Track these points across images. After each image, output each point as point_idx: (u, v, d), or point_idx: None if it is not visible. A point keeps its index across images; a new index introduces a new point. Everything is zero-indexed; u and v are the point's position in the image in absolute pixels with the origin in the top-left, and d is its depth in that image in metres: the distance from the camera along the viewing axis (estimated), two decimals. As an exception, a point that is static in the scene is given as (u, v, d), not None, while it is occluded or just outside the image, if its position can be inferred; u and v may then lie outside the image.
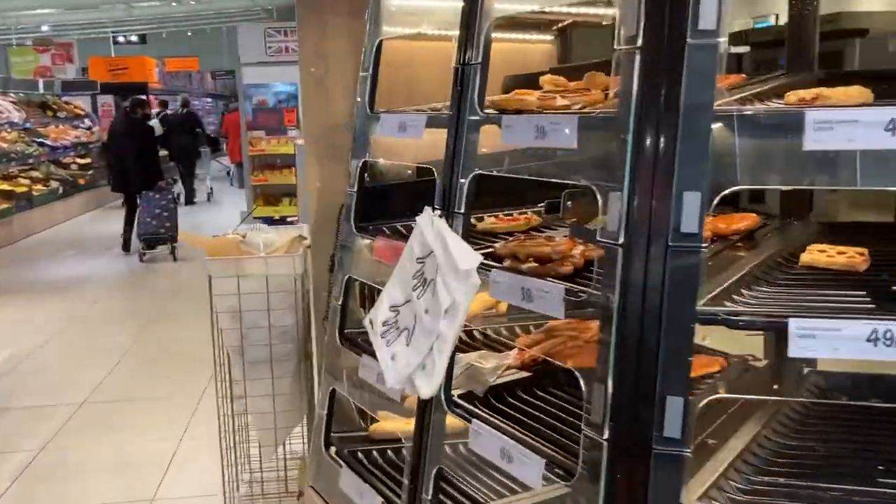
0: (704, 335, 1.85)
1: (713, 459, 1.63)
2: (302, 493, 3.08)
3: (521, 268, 1.77)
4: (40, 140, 14.28)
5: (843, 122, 1.27)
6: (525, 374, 2.11)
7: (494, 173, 1.86)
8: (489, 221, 2.33)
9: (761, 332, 1.87)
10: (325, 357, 2.53)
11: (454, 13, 1.94)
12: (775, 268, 1.70)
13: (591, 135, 1.54)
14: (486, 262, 1.79)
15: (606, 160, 1.47)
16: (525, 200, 2.57)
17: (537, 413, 1.86)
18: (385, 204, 2.56)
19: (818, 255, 1.71)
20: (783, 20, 2.59)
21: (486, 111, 1.86)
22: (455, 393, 1.95)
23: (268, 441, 3.46)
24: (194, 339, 4.51)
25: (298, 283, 3.33)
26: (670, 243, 1.38)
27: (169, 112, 16.41)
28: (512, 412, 1.88)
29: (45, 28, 20.80)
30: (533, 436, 1.71)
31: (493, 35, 3.26)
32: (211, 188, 16.09)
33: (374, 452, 2.45)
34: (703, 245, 1.36)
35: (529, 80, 2.99)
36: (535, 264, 1.77)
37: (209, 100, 25.59)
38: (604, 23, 2.74)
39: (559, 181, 1.62)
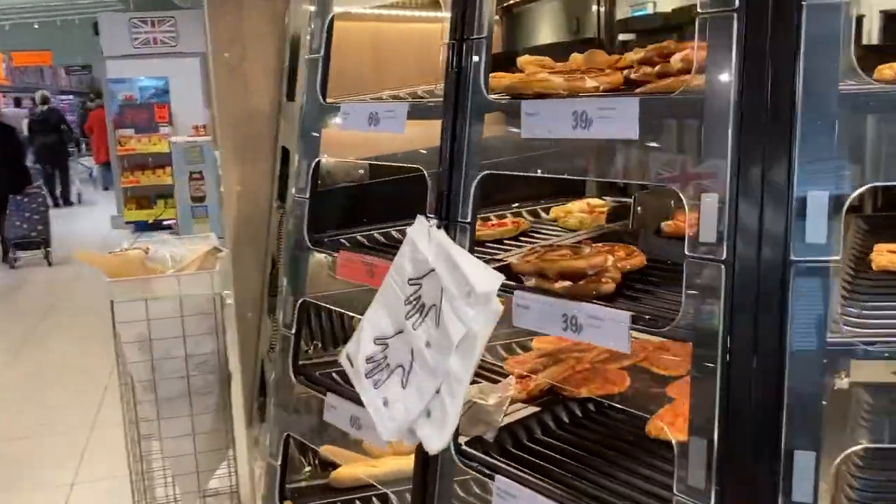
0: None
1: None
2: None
3: (555, 288, 1.44)
4: None
5: None
6: (534, 407, 1.79)
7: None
8: (470, 227, 1.99)
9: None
10: (273, 396, 2.12)
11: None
12: (850, 274, 1.44)
13: (661, 122, 1.22)
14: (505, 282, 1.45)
15: (690, 153, 1.16)
16: (495, 201, 2.24)
17: (572, 461, 1.53)
18: (336, 211, 2.17)
19: (890, 255, 1.48)
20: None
21: (492, 96, 1.52)
22: (462, 440, 1.61)
23: (188, 486, 2.99)
24: (80, 357, 3.93)
25: (218, 304, 2.87)
26: (792, 257, 1.08)
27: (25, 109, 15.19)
28: (539, 461, 1.55)
29: None
30: (581, 496, 1.38)
31: (415, 14, 2.89)
32: (79, 192, 15.00)
33: (340, 506, 2.07)
34: (835, 258, 1.08)
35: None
36: (569, 283, 1.45)
37: (66, 97, 23.79)
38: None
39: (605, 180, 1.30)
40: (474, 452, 1.57)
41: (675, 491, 1.18)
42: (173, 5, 12.12)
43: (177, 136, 10.38)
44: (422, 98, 1.73)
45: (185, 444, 2.90)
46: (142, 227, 11.32)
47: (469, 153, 1.53)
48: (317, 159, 1.97)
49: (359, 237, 2.04)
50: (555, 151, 1.38)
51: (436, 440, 1.50)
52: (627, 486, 1.40)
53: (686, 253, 1.16)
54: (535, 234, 1.95)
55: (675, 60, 1.51)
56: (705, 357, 1.14)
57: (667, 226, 1.88)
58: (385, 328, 1.63)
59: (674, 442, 1.20)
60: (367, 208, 2.15)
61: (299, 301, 2.01)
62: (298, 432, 2.02)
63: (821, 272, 1.08)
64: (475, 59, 1.52)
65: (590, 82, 1.47)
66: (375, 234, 2.04)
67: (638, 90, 1.37)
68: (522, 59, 1.81)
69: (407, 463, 1.90)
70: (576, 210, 2.05)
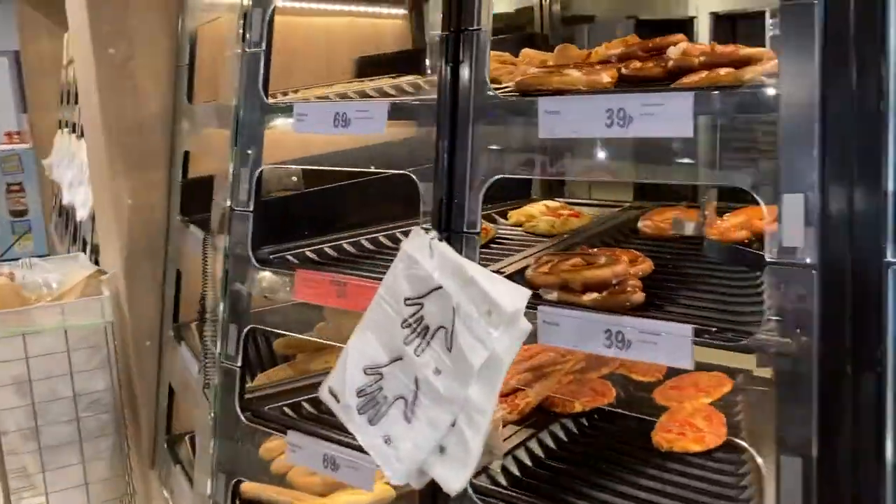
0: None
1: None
2: None
3: (583, 301, 1.32)
4: None
5: None
6: (528, 429, 1.66)
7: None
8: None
9: None
10: (215, 439, 1.85)
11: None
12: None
13: (725, 118, 1.13)
14: (527, 297, 1.31)
15: (766, 150, 1.08)
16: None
17: (586, 484, 1.42)
18: (272, 224, 1.94)
19: None
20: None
21: (499, 93, 1.37)
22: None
23: (81, 545, 2.62)
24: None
25: (109, 334, 2.53)
26: (889, 258, 1.02)
27: None
28: (553, 487, 1.42)
29: None
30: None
31: (331, 7, 2.70)
32: None
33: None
34: (934, 259, 1.02)
35: (391, 62, 2.52)
36: (596, 295, 1.33)
37: None
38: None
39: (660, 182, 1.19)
40: (489, 487, 1.43)
41: (765, 516, 1.09)
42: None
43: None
44: (405, 95, 1.56)
45: (76, 497, 2.54)
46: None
47: (474, 156, 1.37)
48: (260, 168, 1.74)
49: (307, 253, 1.83)
50: (586, 152, 1.26)
51: (455, 480, 1.34)
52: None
53: (767, 259, 1.08)
54: (507, 241, 1.82)
55: (675, 53, 1.44)
56: (795, 370, 1.06)
57: (645, 226, 1.82)
58: (376, 356, 1.44)
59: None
60: (307, 220, 1.94)
61: (244, 329, 1.77)
62: (251, 476, 1.78)
63: (920, 275, 1.02)
64: (477, 52, 1.36)
65: (605, 77, 1.37)
66: (326, 249, 1.84)
67: (680, 82, 1.27)
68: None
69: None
70: (537, 213, 1.94)
